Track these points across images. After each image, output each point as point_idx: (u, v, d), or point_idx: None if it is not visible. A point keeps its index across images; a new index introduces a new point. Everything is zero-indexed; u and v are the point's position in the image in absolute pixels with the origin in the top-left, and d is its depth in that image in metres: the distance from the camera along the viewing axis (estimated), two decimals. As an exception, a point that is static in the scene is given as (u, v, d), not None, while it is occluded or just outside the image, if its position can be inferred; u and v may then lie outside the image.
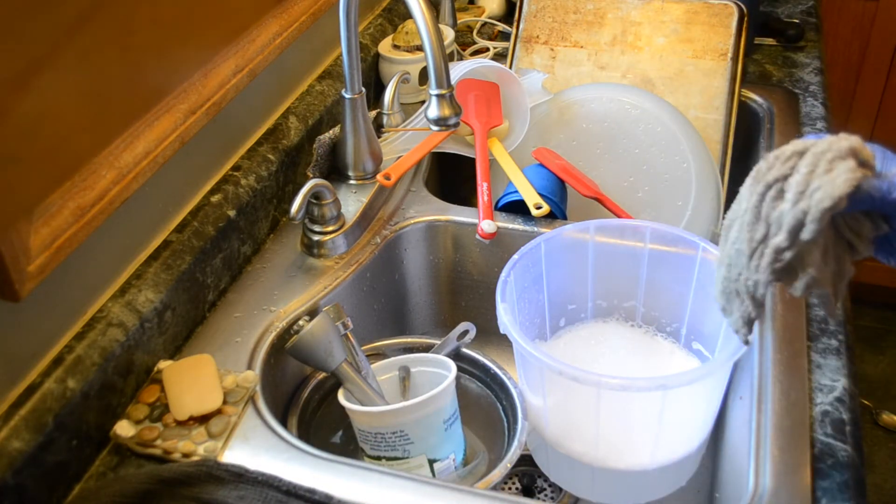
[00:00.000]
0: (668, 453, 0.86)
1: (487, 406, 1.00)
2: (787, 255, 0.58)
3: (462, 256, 1.14)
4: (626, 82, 1.26)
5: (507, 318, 0.84)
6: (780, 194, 0.59)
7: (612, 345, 1.00)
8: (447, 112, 0.90)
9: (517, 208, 1.11)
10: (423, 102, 1.31)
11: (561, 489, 1.03)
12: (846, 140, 0.57)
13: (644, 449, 0.85)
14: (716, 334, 0.92)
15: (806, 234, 0.57)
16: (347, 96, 1.07)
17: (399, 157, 1.14)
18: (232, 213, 0.98)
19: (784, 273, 0.60)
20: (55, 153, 0.73)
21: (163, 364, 0.86)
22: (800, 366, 0.85)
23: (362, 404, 0.91)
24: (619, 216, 1.11)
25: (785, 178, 0.59)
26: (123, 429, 0.79)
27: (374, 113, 1.23)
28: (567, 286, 1.00)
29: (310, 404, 0.96)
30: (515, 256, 0.92)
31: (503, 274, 0.89)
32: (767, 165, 0.60)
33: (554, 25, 1.31)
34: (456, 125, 0.91)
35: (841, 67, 2.10)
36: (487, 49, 1.49)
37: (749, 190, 0.62)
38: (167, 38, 0.87)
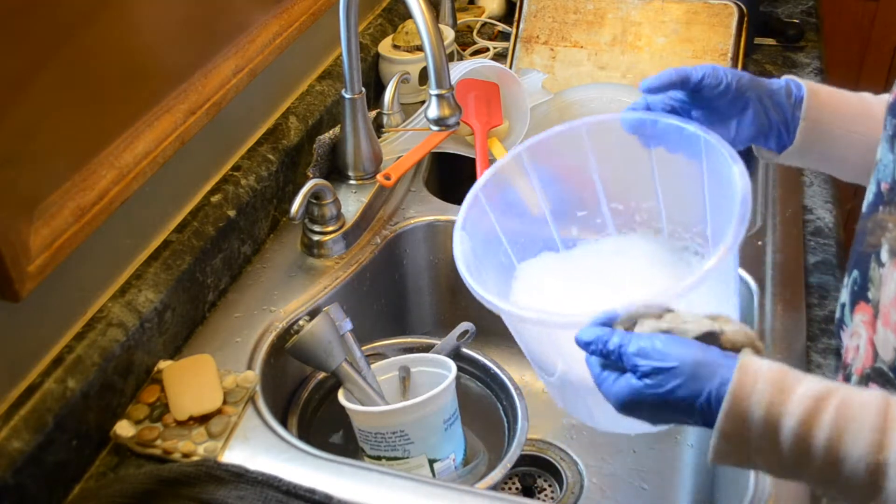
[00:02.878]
0: None
1: (487, 406, 1.00)
2: None
3: (462, 256, 1.14)
4: (626, 82, 1.26)
5: (459, 250, 0.76)
6: None
7: (632, 257, 0.89)
8: (447, 112, 0.90)
9: (517, 208, 1.10)
10: (423, 102, 1.31)
11: (561, 488, 1.04)
12: None
13: None
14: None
15: None
16: (347, 96, 1.07)
17: (399, 157, 1.14)
18: (232, 213, 0.98)
19: None
20: (55, 153, 0.73)
21: (163, 364, 0.86)
22: (800, 366, 0.85)
23: (362, 404, 0.91)
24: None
25: None
26: (123, 429, 0.79)
27: (374, 113, 1.23)
28: (571, 193, 0.89)
29: (310, 404, 0.96)
30: (487, 173, 0.82)
31: (468, 197, 0.81)
32: None
33: (554, 25, 1.31)
34: (456, 125, 0.91)
35: (841, 67, 2.10)
36: (487, 49, 1.48)
37: None
38: (167, 38, 0.87)
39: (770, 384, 0.56)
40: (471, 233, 0.80)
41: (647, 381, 0.61)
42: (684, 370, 0.59)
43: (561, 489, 1.03)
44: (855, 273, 0.73)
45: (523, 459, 0.98)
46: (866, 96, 0.82)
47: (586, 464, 1.05)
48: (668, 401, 0.60)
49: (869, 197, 0.74)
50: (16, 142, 0.68)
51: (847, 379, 0.74)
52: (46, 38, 0.70)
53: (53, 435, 0.72)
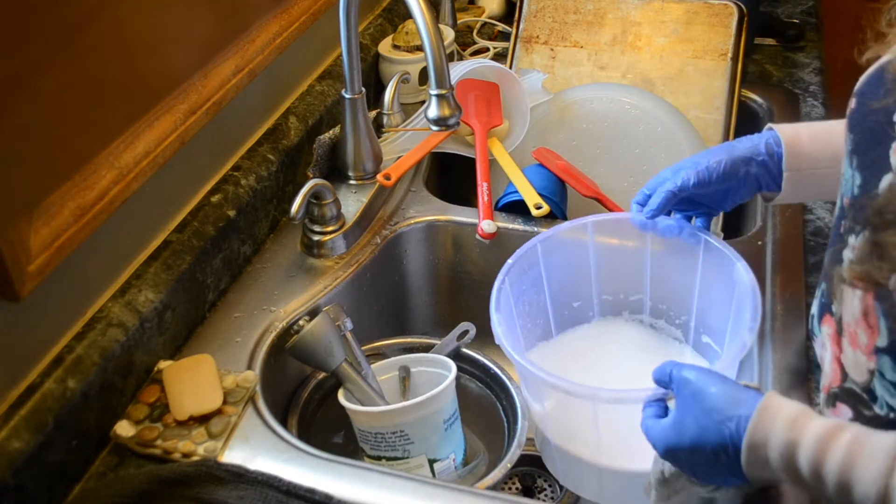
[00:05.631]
0: None
1: (487, 406, 1.00)
2: None
3: (462, 256, 1.14)
4: (626, 82, 1.26)
5: (500, 330, 0.83)
6: None
7: (619, 343, 0.99)
8: (447, 112, 0.90)
9: (517, 208, 1.11)
10: (423, 102, 1.31)
11: (561, 488, 1.03)
12: None
13: (649, 451, 0.85)
14: (723, 328, 0.91)
15: None
16: (347, 96, 1.07)
17: (399, 157, 1.14)
18: (232, 213, 0.98)
19: None
20: (55, 153, 0.73)
21: (163, 364, 0.86)
22: (799, 365, 0.85)
23: (362, 404, 0.91)
24: (619, 216, 1.11)
25: None
26: (123, 429, 0.79)
27: (374, 113, 1.23)
28: (569, 284, 0.99)
29: (310, 404, 0.96)
30: (510, 261, 0.91)
31: (497, 281, 0.89)
32: None
33: (554, 25, 1.31)
34: (456, 125, 0.91)
35: (841, 67, 2.09)
36: (487, 49, 1.48)
37: None
38: (167, 38, 0.87)
39: (787, 421, 0.60)
40: (503, 315, 0.87)
41: (688, 410, 0.66)
42: (721, 398, 0.64)
43: (561, 489, 1.03)
44: (823, 285, 0.74)
45: (523, 459, 0.97)
46: None
47: (586, 464, 1.05)
48: (706, 431, 0.64)
49: (836, 211, 0.74)
50: (16, 142, 0.68)
51: (815, 393, 0.77)
52: (47, 38, 0.70)
53: (53, 435, 0.72)
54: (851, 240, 0.67)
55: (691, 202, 0.89)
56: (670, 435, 0.68)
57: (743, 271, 0.85)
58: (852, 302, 0.66)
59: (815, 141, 0.84)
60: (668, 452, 0.68)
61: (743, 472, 0.63)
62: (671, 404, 0.71)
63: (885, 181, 0.63)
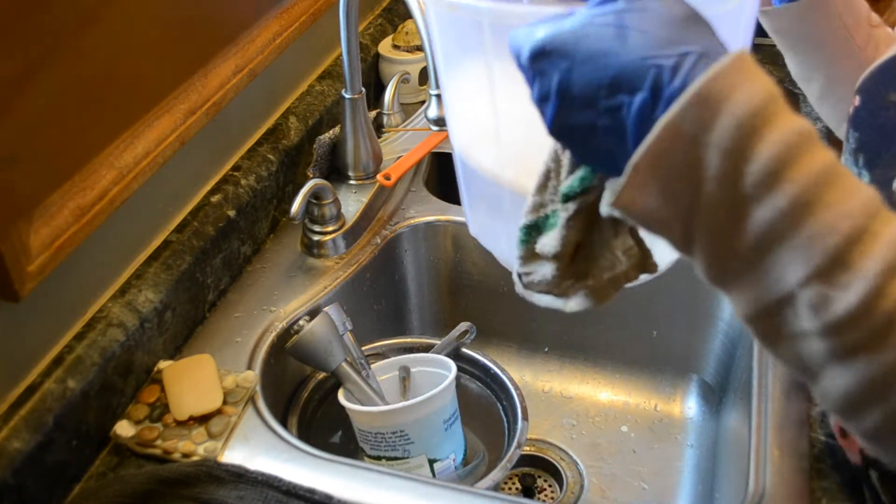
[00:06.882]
0: None
1: (487, 406, 1.00)
2: None
3: (462, 256, 1.15)
4: (626, 82, 1.26)
5: None
6: None
7: None
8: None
9: (517, 208, 1.11)
10: (423, 102, 1.31)
11: (561, 488, 1.04)
12: None
13: None
14: None
15: None
16: (347, 96, 1.07)
17: (399, 157, 1.14)
18: (232, 213, 0.98)
19: None
20: (55, 153, 0.73)
21: (163, 364, 0.86)
22: (800, 366, 0.85)
23: (362, 404, 0.91)
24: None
25: None
26: (123, 429, 0.79)
27: (374, 113, 1.23)
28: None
29: (310, 404, 0.96)
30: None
31: None
32: None
33: (554, 25, 1.31)
34: (456, 125, 0.91)
35: (841, 67, 2.09)
36: (487, 49, 1.48)
37: None
38: (167, 38, 0.87)
39: (764, 90, 0.40)
40: None
41: (616, 15, 0.42)
42: (669, 15, 0.42)
43: (561, 489, 1.03)
44: None
45: (523, 459, 0.98)
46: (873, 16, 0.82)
47: (586, 464, 1.05)
48: (631, 48, 0.41)
49: None
50: (16, 142, 0.68)
51: None
52: (46, 38, 0.70)
53: (53, 435, 0.72)
54: None
55: None
56: (557, 27, 0.43)
57: None
58: None
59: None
60: (546, 45, 0.43)
61: (630, 144, 0.42)
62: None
63: None
